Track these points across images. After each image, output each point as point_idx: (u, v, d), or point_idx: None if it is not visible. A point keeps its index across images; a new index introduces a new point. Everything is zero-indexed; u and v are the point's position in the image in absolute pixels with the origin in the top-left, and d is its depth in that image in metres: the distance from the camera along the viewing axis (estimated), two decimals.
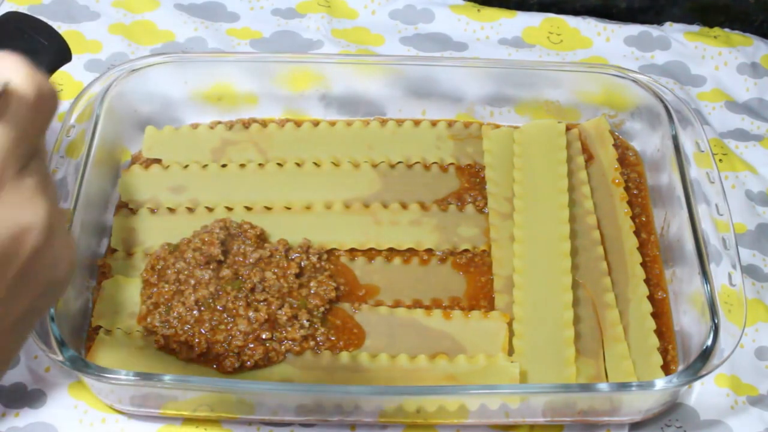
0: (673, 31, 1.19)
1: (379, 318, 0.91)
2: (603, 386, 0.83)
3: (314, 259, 0.93)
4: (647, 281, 0.94)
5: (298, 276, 0.91)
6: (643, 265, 0.95)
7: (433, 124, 1.06)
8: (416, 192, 1.00)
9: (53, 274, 0.49)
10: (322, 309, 0.90)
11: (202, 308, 0.88)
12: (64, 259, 0.50)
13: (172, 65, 1.01)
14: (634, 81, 1.02)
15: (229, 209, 0.98)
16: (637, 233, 0.97)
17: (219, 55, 1.09)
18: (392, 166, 1.02)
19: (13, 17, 0.85)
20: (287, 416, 0.87)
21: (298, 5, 1.20)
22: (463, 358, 0.87)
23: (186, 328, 0.87)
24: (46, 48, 0.84)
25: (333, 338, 0.89)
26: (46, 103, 0.48)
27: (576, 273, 0.94)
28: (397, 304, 0.93)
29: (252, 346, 0.86)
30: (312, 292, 0.91)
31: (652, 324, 0.91)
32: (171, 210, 0.98)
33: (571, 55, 1.17)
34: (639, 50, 1.18)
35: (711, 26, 1.21)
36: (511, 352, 0.89)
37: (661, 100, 0.99)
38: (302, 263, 0.92)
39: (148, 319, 0.88)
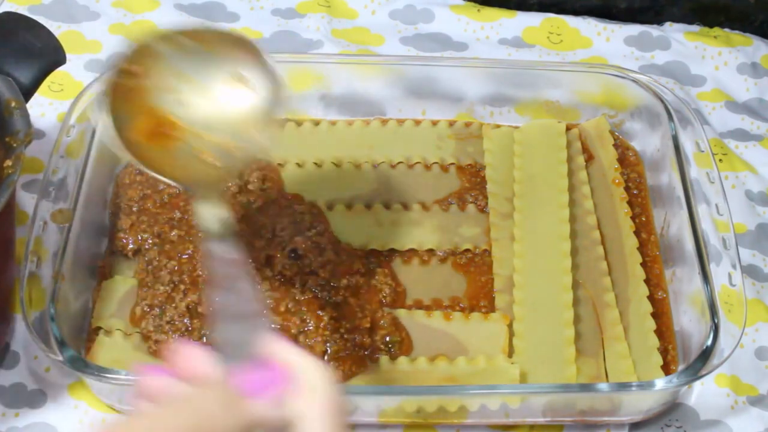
0: (673, 31, 1.19)
1: None
2: (603, 386, 0.83)
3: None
4: (647, 281, 0.94)
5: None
6: (643, 265, 0.95)
7: (434, 123, 1.06)
8: (417, 192, 1.00)
9: None
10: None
11: (193, 317, 0.88)
12: None
13: None
14: (634, 81, 1.01)
15: None
16: (637, 233, 0.97)
17: None
18: (393, 166, 1.02)
19: (8, 18, 0.85)
20: None
21: (298, 5, 1.20)
22: (463, 360, 0.87)
23: (176, 337, 0.87)
24: (40, 50, 0.83)
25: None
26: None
27: (576, 273, 0.94)
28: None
29: None
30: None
31: (652, 324, 0.91)
32: None
33: (571, 55, 1.17)
34: (639, 50, 1.18)
35: (711, 26, 1.21)
36: (511, 352, 0.89)
37: (661, 100, 0.99)
38: (327, 298, 0.90)
39: (143, 324, 0.88)
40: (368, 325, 0.88)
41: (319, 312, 0.87)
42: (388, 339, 0.88)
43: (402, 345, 0.89)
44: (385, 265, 0.94)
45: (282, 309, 0.88)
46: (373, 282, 0.92)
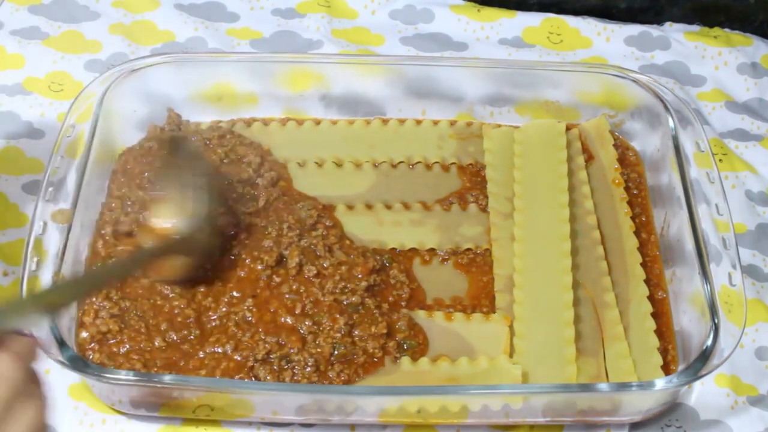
0: (673, 31, 1.19)
1: None
2: (603, 386, 0.83)
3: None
4: (647, 281, 0.94)
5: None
6: (643, 265, 0.95)
7: (435, 123, 1.06)
8: (418, 192, 1.00)
9: None
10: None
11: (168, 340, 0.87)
12: None
13: (172, 65, 1.01)
14: (634, 81, 1.02)
15: None
16: (637, 233, 0.97)
17: (219, 55, 1.09)
18: (394, 166, 1.02)
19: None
20: (287, 416, 0.87)
21: (298, 5, 1.20)
22: (465, 360, 0.87)
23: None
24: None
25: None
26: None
27: (576, 272, 0.94)
28: None
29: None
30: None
31: (652, 324, 0.91)
32: None
33: (571, 55, 1.17)
34: (639, 50, 1.18)
35: (711, 26, 1.21)
36: (511, 351, 0.89)
37: (661, 100, 0.99)
38: (345, 301, 0.90)
39: (89, 354, 0.86)
40: (384, 331, 0.88)
41: (337, 315, 0.88)
42: (404, 342, 0.88)
43: (418, 349, 0.88)
44: (399, 262, 0.94)
45: (297, 311, 0.88)
46: (390, 280, 0.92)
